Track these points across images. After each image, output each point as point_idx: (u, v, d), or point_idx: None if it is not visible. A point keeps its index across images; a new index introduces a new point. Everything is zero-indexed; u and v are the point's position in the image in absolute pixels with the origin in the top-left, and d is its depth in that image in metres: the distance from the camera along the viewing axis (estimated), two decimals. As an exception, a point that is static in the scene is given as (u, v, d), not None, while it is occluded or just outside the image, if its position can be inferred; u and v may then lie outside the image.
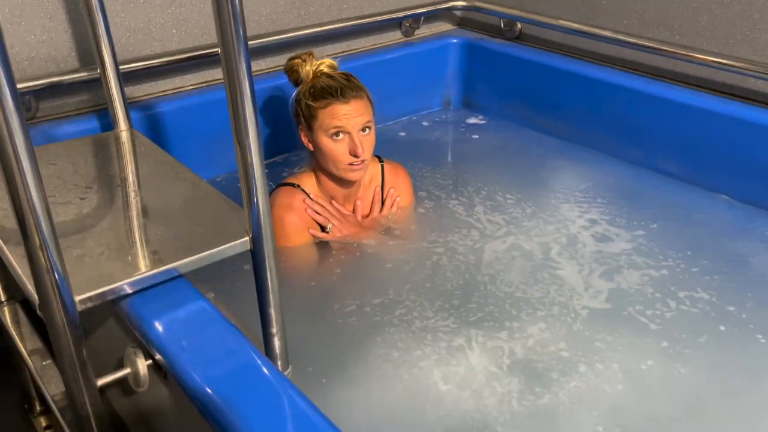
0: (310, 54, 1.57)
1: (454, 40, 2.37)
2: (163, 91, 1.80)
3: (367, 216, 1.71)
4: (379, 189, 1.73)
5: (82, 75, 1.57)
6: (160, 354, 0.94)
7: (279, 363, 1.09)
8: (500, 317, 1.39)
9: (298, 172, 1.67)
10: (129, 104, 1.49)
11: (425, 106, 2.41)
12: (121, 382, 0.97)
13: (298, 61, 1.57)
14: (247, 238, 1.03)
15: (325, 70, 1.56)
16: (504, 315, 1.39)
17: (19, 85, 0.79)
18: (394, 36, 2.32)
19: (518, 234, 1.66)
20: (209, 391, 0.85)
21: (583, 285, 1.48)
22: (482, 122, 2.32)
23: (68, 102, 1.66)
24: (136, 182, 1.27)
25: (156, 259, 1.01)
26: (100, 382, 0.94)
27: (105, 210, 1.15)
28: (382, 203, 1.73)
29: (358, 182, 1.68)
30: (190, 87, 1.84)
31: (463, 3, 2.31)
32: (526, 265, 1.55)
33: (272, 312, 1.05)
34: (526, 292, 1.46)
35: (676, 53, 1.82)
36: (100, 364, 1.14)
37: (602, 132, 2.04)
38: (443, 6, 2.30)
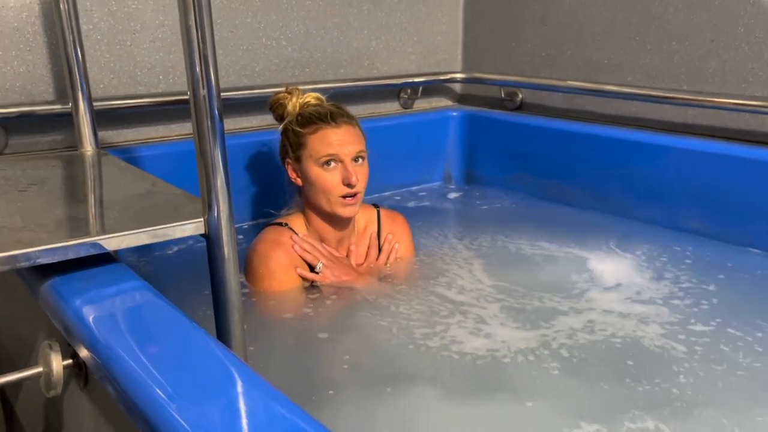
0: (297, 88, 1.49)
1: (454, 113, 2.31)
2: (145, 139, 1.70)
3: (363, 264, 1.53)
4: (375, 235, 1.56)
5: (55, 108, 1.47)
6: (84, 348, 0.73)
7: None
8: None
9: (286, 213, 1.52)
10: (107, 149, 1.38)
11: (424, 179, 2.30)
12: (29, 382, 0.76)
13: (284, 94, 1.48)
14: (201, 220, 0.86)
15: (312, 102, 1.46)
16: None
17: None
18: (393, 107, 2.26)
19: (536, 291, 1.46)
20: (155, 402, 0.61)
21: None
22: (487, 195, 2.18)
23: (41, 141, 1.55)
24: (90, 182, 1.12)
25: (84, 232, 0.83)
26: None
27: (42, 199, 0.99)
28: (379, 250, 1.55)
29: (352, 226, 1.52)
30: (175, 137, 1.74)
31: (462, 75, 2.28)
32: (543, 321, 1.33)
33: (230, 310, 0.85)
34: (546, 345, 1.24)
35: (688, 100, 1.73)
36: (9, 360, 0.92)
37: (616, 193, 1.90)
38: (442, 77, 2.26)
